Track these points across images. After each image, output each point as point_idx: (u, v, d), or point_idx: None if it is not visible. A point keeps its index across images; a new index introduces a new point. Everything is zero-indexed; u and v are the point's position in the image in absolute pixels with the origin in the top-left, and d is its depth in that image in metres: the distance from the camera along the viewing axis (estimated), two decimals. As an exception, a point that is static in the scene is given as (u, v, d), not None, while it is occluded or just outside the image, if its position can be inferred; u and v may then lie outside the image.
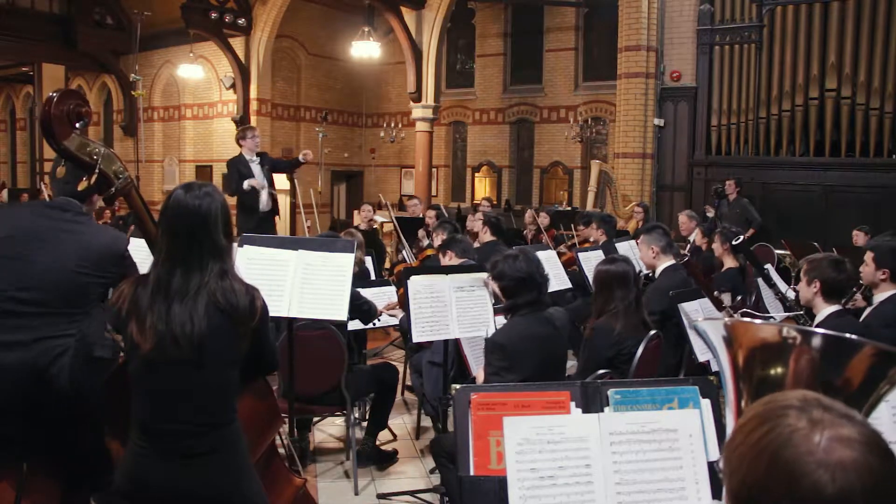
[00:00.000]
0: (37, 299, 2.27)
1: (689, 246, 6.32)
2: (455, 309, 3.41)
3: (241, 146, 6.66)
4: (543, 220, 8.81)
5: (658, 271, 4.35)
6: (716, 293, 4.54)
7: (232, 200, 7.32)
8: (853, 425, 0.79)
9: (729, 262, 5.19)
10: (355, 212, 8.89)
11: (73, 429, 2.38)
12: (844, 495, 0.74)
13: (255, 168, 6.57)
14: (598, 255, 4.90)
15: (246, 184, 6.50)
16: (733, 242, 4.91)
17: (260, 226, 6.48)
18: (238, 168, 6.54)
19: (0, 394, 2.25)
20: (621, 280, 3.34)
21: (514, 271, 2.93)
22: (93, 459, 2.45)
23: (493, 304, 3.45)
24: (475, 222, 6.42)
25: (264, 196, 6.62)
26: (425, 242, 7.25)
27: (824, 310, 3.11)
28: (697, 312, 3.73)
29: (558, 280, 5.09)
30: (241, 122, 14.06)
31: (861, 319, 3.47)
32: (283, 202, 12.12)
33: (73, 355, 2.30)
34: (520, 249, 3.09)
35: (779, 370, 1.05)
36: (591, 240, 6.85)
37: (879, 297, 3.43)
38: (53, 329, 2.28)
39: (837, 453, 0.76)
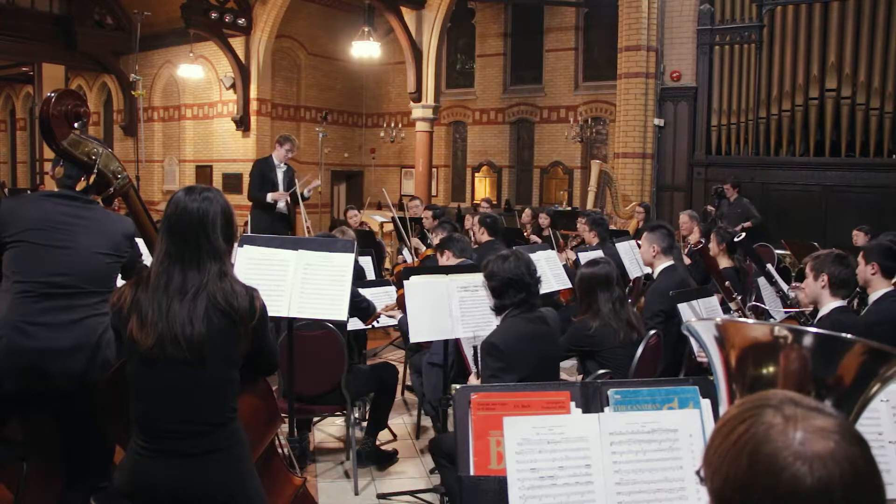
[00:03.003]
0: (70, 283, 2.43)
1: (688, 248, 6.32)
2: (458, 309, 3.39)
3: (275, 149, 6.63)
4: (543, 220, 8.82)
5: (657, 271, 4.35)
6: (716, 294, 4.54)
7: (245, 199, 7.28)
8: (826, 417, 0.81)
9: (724, 263, 5.17)
10: (346, 215, 8.81)
11: (82, 424, 2.41)
12: (823, 485, 0.76)
13: (280, 174, 6.56)
14: (598, 256, 4.89)
15: (270, 197, 6.53)
16: (735, 240, 4.91)
17: (273, 225, 6.51)
18: (263, 170, 6.53)
19: (47, 374, 2.36)
20: (604, 282, 3.38)
21: (502, 272, 2.93)
22: (94, 460, 2.46)
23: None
24: (473, 225, 6.41)
25: (282, 204, 6.65)
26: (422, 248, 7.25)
27: (829, 304, 3.16)
28: (693, 313, 3.73)
29: (558, 280, 5.09)
30: (241, 122, 14.07)
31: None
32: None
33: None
34: (513, 250, 3.08)
35: (771, 369, 1.06)
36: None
37: (874, 295, 3.48)
38: (90, 309, 2.45)
39: (814, 445, 0.77)
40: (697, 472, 0.89)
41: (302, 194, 6.80)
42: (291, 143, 6.72)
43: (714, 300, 4.01)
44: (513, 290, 2.94)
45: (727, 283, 4.24)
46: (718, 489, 0.82)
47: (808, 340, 1.04)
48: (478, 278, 3.45)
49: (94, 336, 2.44)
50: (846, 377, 1.03)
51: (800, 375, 1.04)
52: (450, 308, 3.40)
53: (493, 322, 3.41)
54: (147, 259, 2.83)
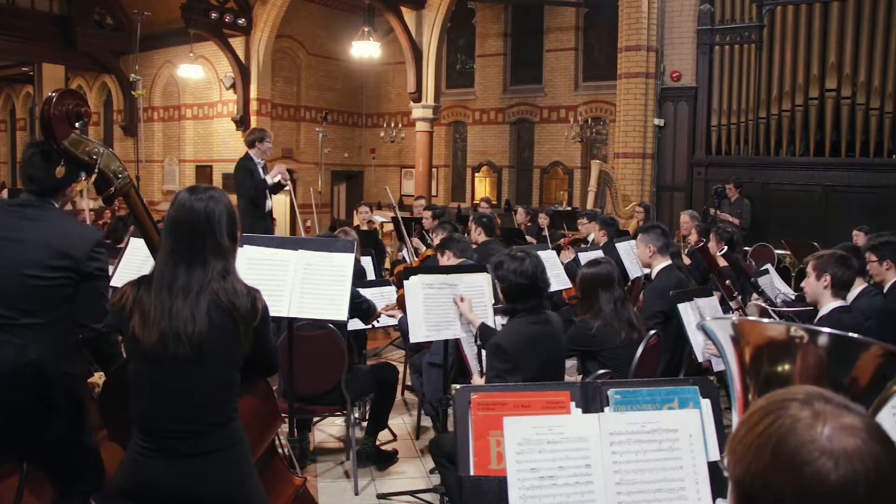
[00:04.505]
0: None
1: (688, 247, 6.32)
2: (455, 308, 3.38)
3: (255, 147, 6.40)
4: (543, 220, 8.82)
5: (655, 272, 4.34)
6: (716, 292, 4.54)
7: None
8: (854, 415, 0.80)
9: (724, 262, 5.18)
10: (355, 212, 8.85)
11: (57, 433, 2.33)
12: (847, 483, 0.75)
13: (261, 171, 6.45)
14: (599, 255, 4.90)
15: (270, 177, 6.32)
16: (719, 254, 4.96)
17: (264, 223, 6.45)
18: (249, 168, 6.36)
19: None
20: (605, 282, 3.38)
21: (516, 276, 2.93)
22: (81, 463, 2.41)
23: (493, 304, 3.45)
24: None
25: (268, 201, 6.53)
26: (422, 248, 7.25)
27: (830, 304, 3.17)
28: (694, 313, 3.73)
29: (558, 280, 5.09)
30: (241, 122, 14.05)
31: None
32: (283, 201, 12.14)
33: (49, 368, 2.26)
34: (525, 252, 3.06)
35: (786, 367, 1.06)
36: (591, 239, 6.87)
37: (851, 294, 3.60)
38: (21, 339, 2.20)
39: (841, 442, 0.77)
40: (719, 462, 0.89)
41: (280, 183, 6.62)
42: (270, 135, 6.56)
43: (714, 300, 4.01)
44: (526, 294, 2.94)
45: (727, 281, 4.25)
46: (740, 477, 0.82)
47: (823, 340, 1.05)
48: (474, 278, 3.45)
49: (17, 380, 2.15)
50: (862, 378, 1.03)
51: (815, 374, 1.04)
52: (449, 308, 3.40)
53: (489, 320, 3.41)
54: (149, 261, 2.79)
